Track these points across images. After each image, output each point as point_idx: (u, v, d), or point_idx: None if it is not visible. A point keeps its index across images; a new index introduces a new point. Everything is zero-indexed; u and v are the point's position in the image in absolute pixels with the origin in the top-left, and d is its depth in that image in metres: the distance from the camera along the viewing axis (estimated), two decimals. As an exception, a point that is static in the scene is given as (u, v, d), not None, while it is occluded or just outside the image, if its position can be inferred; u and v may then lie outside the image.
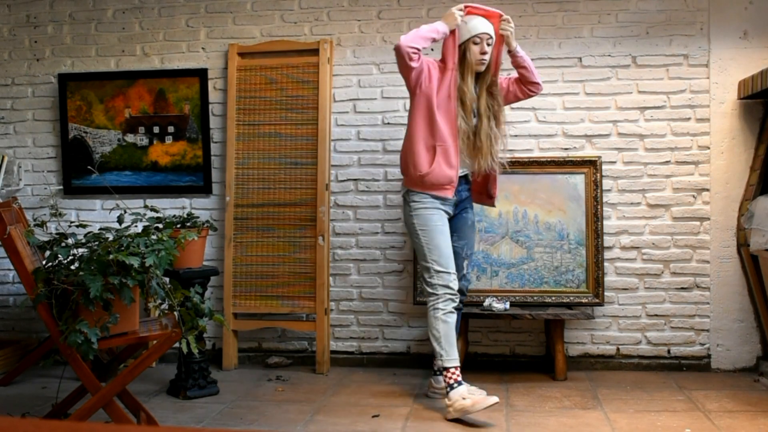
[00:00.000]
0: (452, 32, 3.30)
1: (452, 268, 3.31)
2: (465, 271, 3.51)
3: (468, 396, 3.15)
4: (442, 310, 3.27)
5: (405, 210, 3.43)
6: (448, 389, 3.21)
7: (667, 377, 3.84)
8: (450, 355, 3.24)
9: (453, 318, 3.30)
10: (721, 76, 3.92)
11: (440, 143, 3.28)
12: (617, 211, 4.00)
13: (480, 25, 3.32)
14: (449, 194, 3.34)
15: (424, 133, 3.30)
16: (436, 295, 3.28)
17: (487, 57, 3.33)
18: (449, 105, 3.29)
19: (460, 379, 3.22)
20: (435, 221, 3.32)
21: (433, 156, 3.28)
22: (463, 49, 3.32)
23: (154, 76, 4.30)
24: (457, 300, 3.33)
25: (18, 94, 4.46)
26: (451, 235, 3.41)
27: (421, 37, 3.22)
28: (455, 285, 3.31)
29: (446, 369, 3.24)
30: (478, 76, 3.41)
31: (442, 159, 3.28)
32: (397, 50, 3.22)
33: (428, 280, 3.32)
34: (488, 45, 3.33)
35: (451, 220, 3.45)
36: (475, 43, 3.30)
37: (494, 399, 3.11)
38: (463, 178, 3.46)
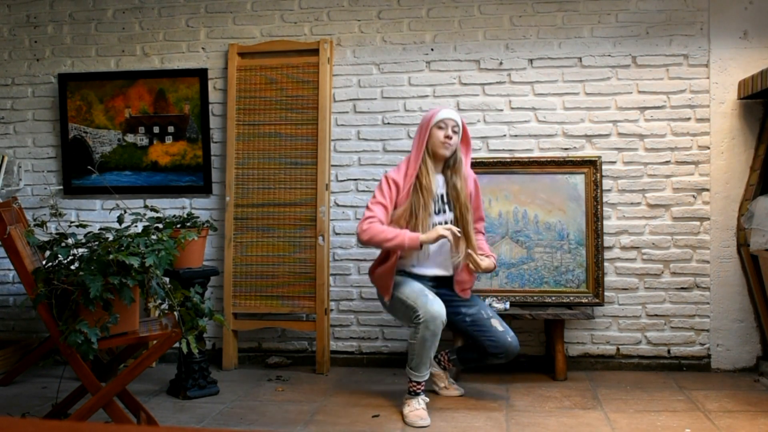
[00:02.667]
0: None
1: (431, 297, 3.20)
2: (501, 328, 3.33)
3: (417, 409, 3.19)
4: (424, 330, 3.17)
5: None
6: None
7: (667, 377, 3.84)
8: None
9: (433, 339, 3.19)
10: (721, 76, 3.92)
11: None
12: (617, 211, 4.00)
13: (445, 113, 3.33)
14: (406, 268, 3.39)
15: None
16: (421, 319, 3.16)
17: (451, 142, 3.32)
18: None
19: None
20: (402, 279, 3.34)
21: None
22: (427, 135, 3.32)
23: (154, 76, 4.30)
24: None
25: (18, 94, 4.46)
26: (458, 311, 3.36)
27: (379, 244, 3.24)
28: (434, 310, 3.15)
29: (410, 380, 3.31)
30: (446, 166, 3.39)
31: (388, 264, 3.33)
32: (357, 237, 3.28)
33: (413, 319, 3.19)
34: (454, 132, 3.32)
35: (444, 301, 3.27)
36: (440, 128, 3.31)
37: (427, 422, 3.13)
38: (439, 280, 3.42)
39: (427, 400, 3.28)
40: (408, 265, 3.41)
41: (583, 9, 4.01)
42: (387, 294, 3.33)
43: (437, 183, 3.37)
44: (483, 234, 3.55)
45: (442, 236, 3.18)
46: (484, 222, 3.59)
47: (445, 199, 3.39)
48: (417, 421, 3.13)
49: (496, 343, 3.30)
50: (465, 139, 3.45)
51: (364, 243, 3.26)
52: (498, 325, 3.34)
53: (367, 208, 3.30)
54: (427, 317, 3.13)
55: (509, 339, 3.31)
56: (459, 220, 3.35)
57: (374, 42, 4.15)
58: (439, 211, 3.38)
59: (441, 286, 3.42)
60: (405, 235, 3.18)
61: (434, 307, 3.15)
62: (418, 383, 3.27)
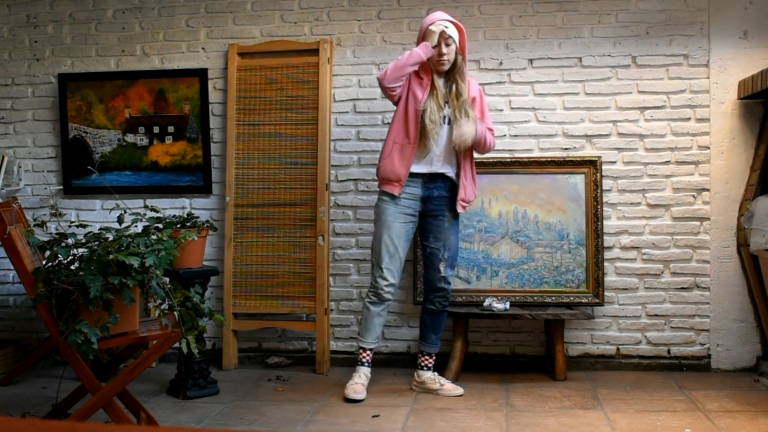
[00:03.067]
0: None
1: (386, 268, 3.52)
2: (443, 273, 3.59)
3: (356, 383, 3.50)
4: (368, 299, 3.60)
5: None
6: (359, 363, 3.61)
7: (667, 377, 3.84)
8: (364, 337, 3.61)
9: (374, 308, 3.57)
10: (721, 76, 3.92)
11: (398, 141, 3.48)
12: (617, 211, 4.00)
13: (435, 27, 3.43)
14: (395, 191, 3.50)
15: (393, 134, 3.52)
16: (370, 283, 3.62)
17: (446, 58, 3.45)
18: (417, 107, 3.45)
19: (366, 361, 3.61)
20: (387, 215, 3.52)
21: (389, 153, 3.50)
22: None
23: (154, 76, 4.30)
24: (386, 296, 3.56)
25: (18, 94, 4.46)
26: (427, 237, 3.62)
27: (400, 71, 3.41)
28: (381, 281, 3.53)
29: (363, 349, 3.62)
30: (449, 75, 3.54)
31: (396, 155, 3.48)
32: (380, 84, 3.48)
33: (371, 270, 3.64)
34: (447, 45, 3.44)
35: (425, 221, 3.61)
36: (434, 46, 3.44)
37: (358, 396, 3.43)
38: (439, 178, 3.56)
39: (368, 374, 3.58)
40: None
41: (583, 9, 4.01)
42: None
43: (443, 94, 3.51)
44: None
45: (433, 32, 3.40)
46: (493, 133, 3.64)
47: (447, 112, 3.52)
48: (350, 394, 3.44)
49: (429, 281, 3.61)
50: (461, 43, 3.53)
51: (386, 83, 3.42)
52: (442, 269, 3.58)
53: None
54: (376, 287, 3.54)
55: (441, 284, 3.59)
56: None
57: (374, 42, 4.15)
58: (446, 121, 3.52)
59: (437, 191, 3.57)
60: (413, 50, 3.41)
61: (386, 280, 3.51)
62: (363, 350, 3.61)
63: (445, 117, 3.51)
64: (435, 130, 3.46)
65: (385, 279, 3.53)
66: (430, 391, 3.59)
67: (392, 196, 3.52)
